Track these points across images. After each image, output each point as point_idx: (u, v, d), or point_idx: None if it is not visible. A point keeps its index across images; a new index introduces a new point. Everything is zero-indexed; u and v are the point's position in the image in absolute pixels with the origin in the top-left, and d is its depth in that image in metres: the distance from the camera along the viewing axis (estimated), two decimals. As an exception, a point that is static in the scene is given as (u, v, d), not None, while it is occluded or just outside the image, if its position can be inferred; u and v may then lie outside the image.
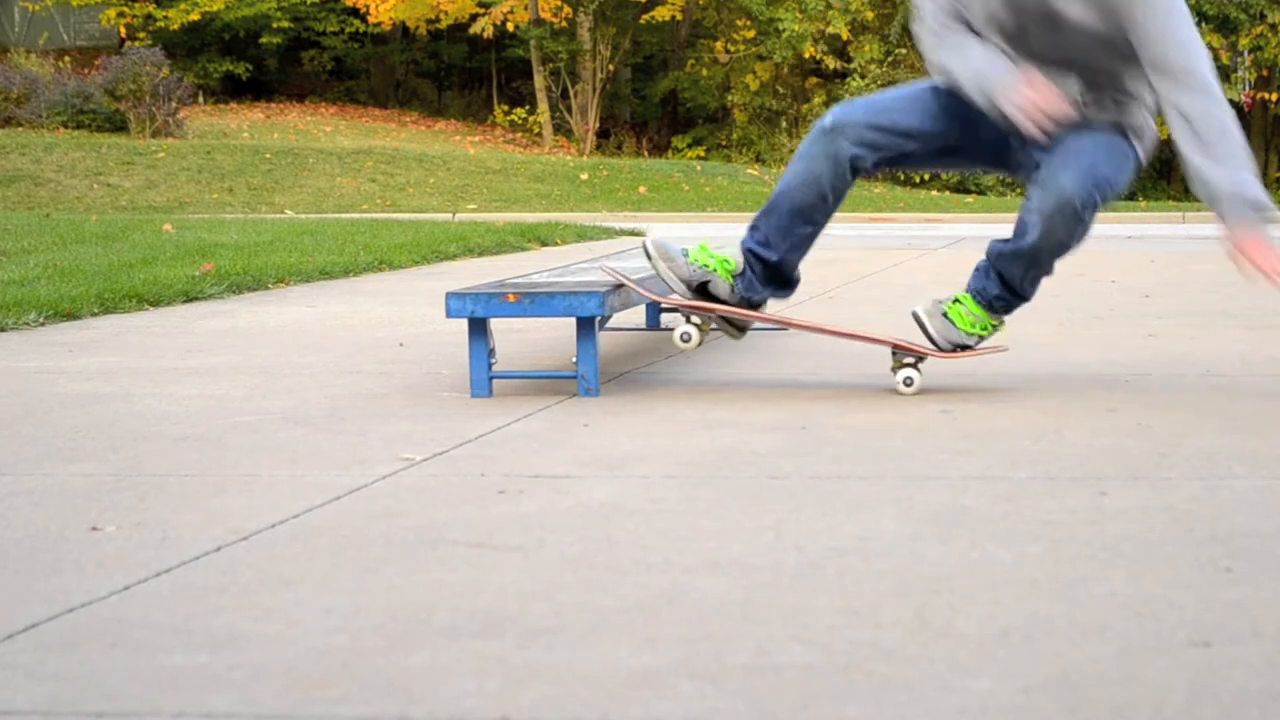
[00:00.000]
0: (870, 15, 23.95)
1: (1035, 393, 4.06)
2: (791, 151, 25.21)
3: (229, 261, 8.18)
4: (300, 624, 2.14)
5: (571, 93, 25.46)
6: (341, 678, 1.92)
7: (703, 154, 25.97)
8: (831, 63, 24.39)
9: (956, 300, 4.06)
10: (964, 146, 4.06)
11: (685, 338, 4.10)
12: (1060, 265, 4.02)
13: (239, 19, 26.22)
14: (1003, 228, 4.32)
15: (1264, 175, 25.24)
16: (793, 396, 4.07)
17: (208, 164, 19.37)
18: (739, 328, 4.20)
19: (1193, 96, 3.75)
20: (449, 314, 4.05)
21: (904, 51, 23.66)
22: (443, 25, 27.00)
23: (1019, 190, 22.40)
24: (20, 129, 20.90)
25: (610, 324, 5.36)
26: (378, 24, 26.80)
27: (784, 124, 25.39)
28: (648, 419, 3.75)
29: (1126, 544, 2.50)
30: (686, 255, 4.09)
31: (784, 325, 4.28)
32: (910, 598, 2.21)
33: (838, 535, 2.58)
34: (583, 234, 12.04)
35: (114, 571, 2.43)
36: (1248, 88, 24.63)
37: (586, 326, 4.08)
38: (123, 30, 26.66)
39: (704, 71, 26.33)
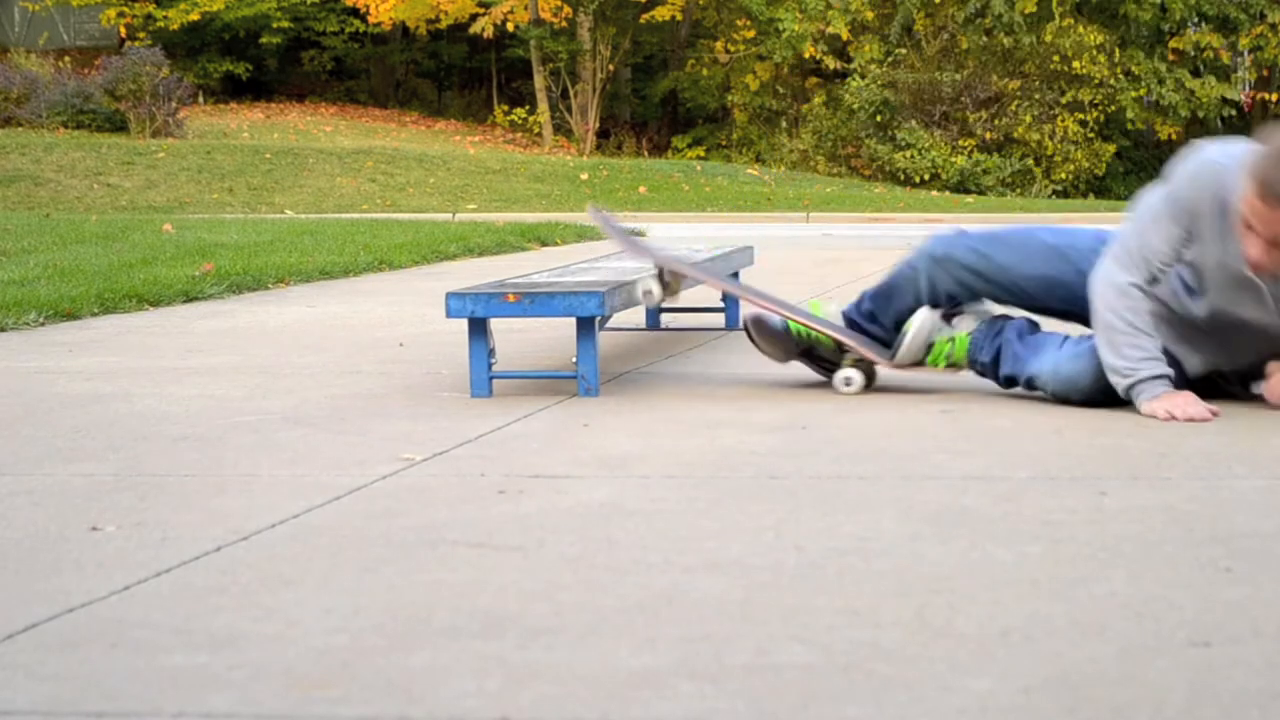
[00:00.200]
0: (870, 15, 23.94)
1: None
2: (791, 151, 25.19)
3: (229, 261, 8.18)
4: (300, 624, 2.14)
5: (571, 93, 25.46)
6: (341, 678, 1.92)
7: (703, 154, 25.97)
8: (831, 63, 24.39)
9: (953, 340, 4.07)
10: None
11: (847, 381, 4.13)
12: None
13: (239, 19, 26.22)
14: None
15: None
16: (793, 396, 4.07)
17: (208, 164, 19.37)
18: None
19: None
20: (449, 314, 4.05)
21: (904, 52, 23.66)
22: (443, 25, 27.00)
23: (1019, 190, 22.37)
24: (20, 129, 20.89)
25: (610, 324, 5.37)
26: (378, 24, 26.80)
27: (784, 124, 25.39)
28: (648, 419, 3.75)
29: (1126, 544, 2.50)
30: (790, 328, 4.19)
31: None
32: (910, 598, 2.21)
33: (838, 535, 2.58)
34: (583, 234, 12.04)
35: (114, 571, 2.43)
36: (1248, 88, 24.63)
37: (586, 326, 4.08)
38: (123, 30, 26.65)
39: (704, 71, 26.33)
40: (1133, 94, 23.38)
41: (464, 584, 2.32)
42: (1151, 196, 3.76)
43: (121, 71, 20.90)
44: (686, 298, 5.90)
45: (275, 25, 26.53)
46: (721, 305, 5.74)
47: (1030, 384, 3.94)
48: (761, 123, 25.68)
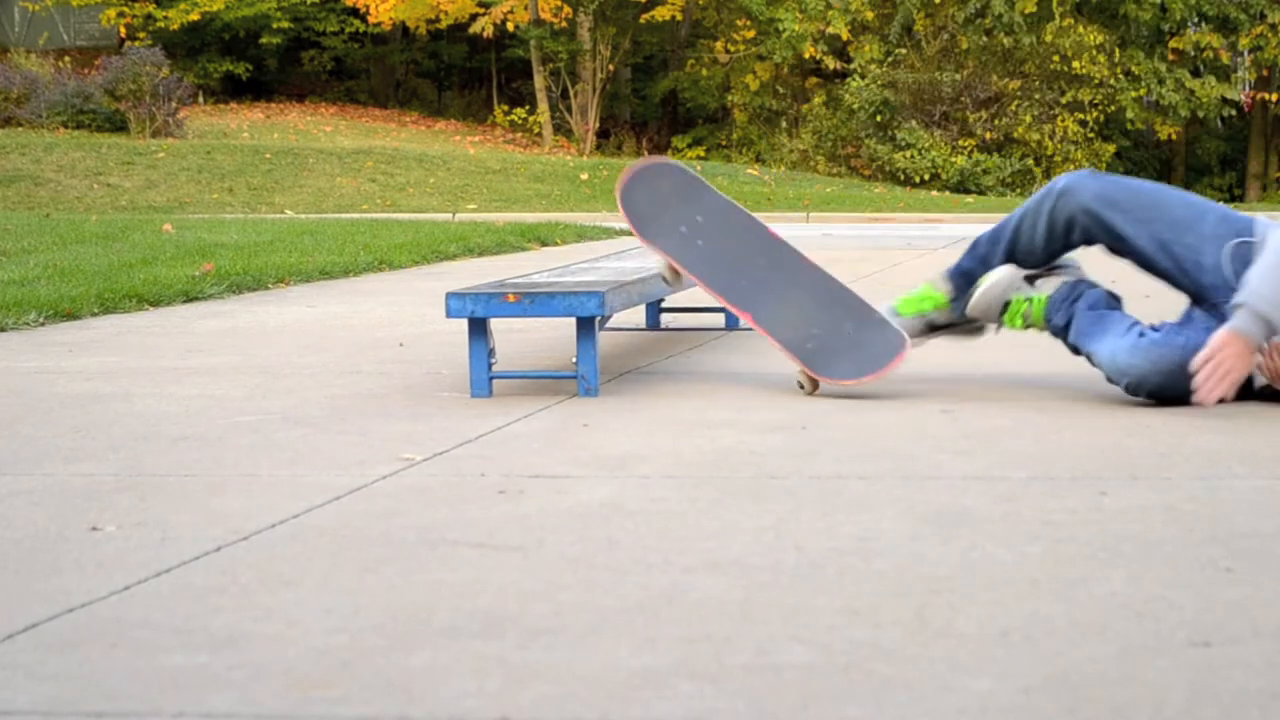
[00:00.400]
0: (870, 15, 23.96)
1: (1035, 393, 4.07)
2: (791, 151, 25.18)
3: (229, 261, 8.18)
4: (300, 624, 2.14)
5: (571, 93, 25.47)
6: (341, 678, 1.92)
7: (703, 154, 25.98)
8: (831, 63, 24.41)
9: (1031, 301, 4.08)
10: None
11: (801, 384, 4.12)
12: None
13: (239, 19, 26.23)
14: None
15: (1264, 175, 25.27)
16: (793, 396, 4.07)
17: (208, 164, 19.37)
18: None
19: None
20: (449, 314, 4.05)
21: (904, 52, 23.67)
22: (443, 25, 27.02)
23: (1019, 191, 22.37)
24: (20, 129, 20.90)
25: (610, 324, 5.36)
26: (378, 24, 26.82)
27: (784, 124, 25.40)
28: (648, 419, 3.75)
29: (1126, 544, 2.50)
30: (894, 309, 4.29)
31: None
32: (910, 598, 2.21)
33: (838, 535, 2.58)
34: (583, 234, 12.04)
35: (114, 571, 2.43)
36: (1248, 88, 24.64)
37: (586, 326, 4.08)
38: (123, 30, 26.67)
39: (704, 71, 26.34)
40: (1133, 94, 23.40)
41: (464, 584, 2.32)
42: None
43: (121, 71, 20.91)
44: (686, 298, 5.91)
45: (275, 25, 26.55)
46: (721, 305, 5.73)
47: (1090, 360, 3.98)
48: (761, 123, 25.70)
